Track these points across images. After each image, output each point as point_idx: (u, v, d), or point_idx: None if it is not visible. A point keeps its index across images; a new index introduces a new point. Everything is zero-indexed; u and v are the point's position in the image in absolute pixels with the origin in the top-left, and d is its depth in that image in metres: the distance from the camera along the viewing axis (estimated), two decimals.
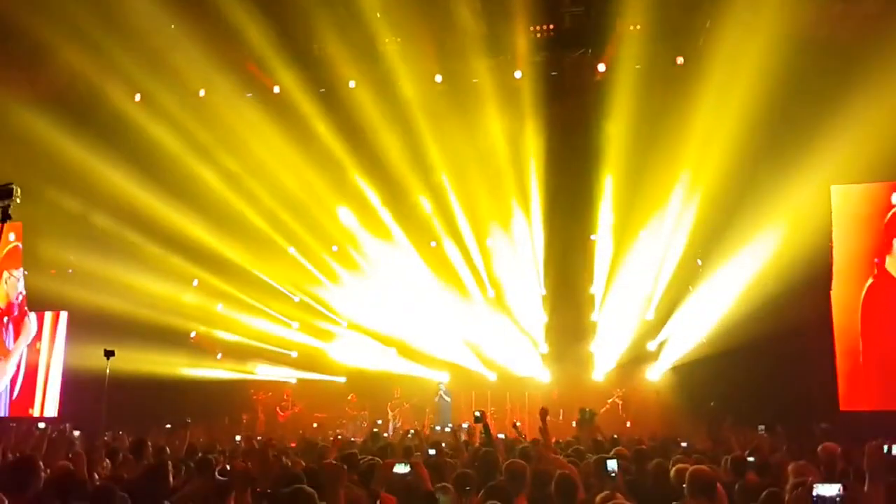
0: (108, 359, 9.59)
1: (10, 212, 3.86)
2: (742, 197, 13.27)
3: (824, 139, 11.90)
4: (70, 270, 15.94)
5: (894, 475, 4.77)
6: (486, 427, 7.73)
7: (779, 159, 12.97)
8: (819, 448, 6.59)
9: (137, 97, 14.62)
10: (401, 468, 5.10)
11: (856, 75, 11.61)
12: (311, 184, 15.22)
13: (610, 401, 15.04)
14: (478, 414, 8.06)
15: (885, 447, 5.15)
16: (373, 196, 15.69)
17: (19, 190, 3.87)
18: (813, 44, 12.00)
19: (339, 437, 11.63)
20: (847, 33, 12.17)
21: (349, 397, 16.30)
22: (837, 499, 4.09)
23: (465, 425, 12.07)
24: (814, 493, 4.15)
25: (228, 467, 5.49)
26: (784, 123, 12.71)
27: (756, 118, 12.41)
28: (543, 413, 7.43)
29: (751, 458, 6.24)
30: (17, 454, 6.07)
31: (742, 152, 12.94)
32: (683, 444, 8.73)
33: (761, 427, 9.77)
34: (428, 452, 7.03)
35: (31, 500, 4.04)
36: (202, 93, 14.68)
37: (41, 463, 4.30)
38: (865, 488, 4.70)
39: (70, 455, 5.70)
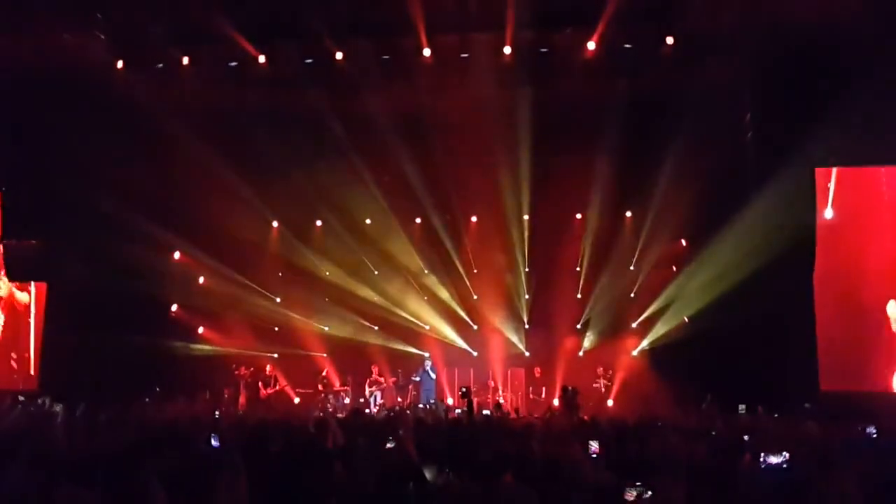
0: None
1: None
2: (728, 178, 13.31)
3: (810, 121, 11.96)
4: (50, 241, 15.69)
5: (868, 462, 4.84)
6: (471, 404, 7.75)
7: (765, 141, 13.01)
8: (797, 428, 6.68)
9: (119, 64, 14.32)
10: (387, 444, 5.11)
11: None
12: (296, 154, 15.08)
13: (595, 385, 15.14)
14: (463, 390, 8.09)
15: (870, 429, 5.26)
16: (357, 169, 15.50)
17: None
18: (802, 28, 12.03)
19: (322, 413, 11.65)
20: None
21: (323, 373, 16.25)
22: (784, 465, 4.42)
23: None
24: (762, 461, 4.46)
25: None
26: (770, 105, 12.75)
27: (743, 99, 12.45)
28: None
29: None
30: None
31: (729, 133, 12.96)
32: (660, 424, 8.81)
33: (742, 406, 9.89)
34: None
35: (13, 476, 3.99)
36: (186, 60, 14.39)
37: (22, 437, 4.23)
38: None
39: (53, 429, 5.64)
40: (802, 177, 13.02)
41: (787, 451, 4.76)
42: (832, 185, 13.43)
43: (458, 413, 11.21)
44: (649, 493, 4.14)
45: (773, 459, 4.66)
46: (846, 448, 5.95)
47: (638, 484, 4.40)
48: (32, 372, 15.99)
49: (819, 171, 13.30)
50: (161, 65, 14.51)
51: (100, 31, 13.76)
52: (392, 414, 11.55)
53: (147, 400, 13.73)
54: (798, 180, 12.87)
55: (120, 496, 4.06)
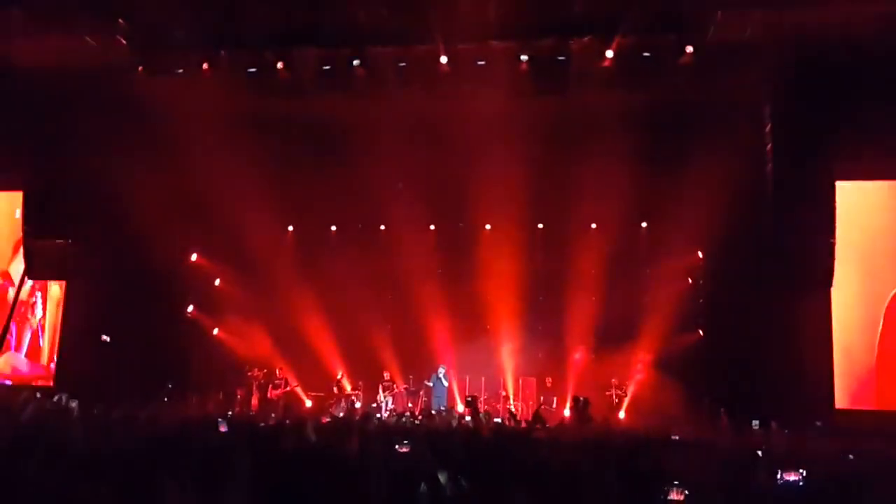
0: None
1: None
2: (747, 190, 13.23)
3: (831, 134, 11.88)
4: (70, 241, 15.88)
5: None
6: (476, 413, 7.74)
7: (785, 153, 12.92)
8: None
9: (140, 69, 14.48)
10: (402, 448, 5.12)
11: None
12: (312, 159, 15.14)
13: (608, 393, 15.05)
14: (469, 399, 8.08)
15: None
16: (373, 175, 15.55)
17: None
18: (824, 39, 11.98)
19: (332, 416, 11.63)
20: None
21: (339, 376, 16.28)
22: (800, 482, 4.47)
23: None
24: (778, 478, 4.52)
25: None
26: (791, 117, 12.67)
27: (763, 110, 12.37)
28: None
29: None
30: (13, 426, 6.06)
31: (748, 145, 12.88)
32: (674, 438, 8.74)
33: (755, 422, 9.78)
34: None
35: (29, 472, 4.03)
36: (205, 66, 14.53)
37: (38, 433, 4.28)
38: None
39: (69, 426, 5.69)
40: (823, 190, 12.91)
41: (804, 469, 4.73)
42: (853, 199, 13.31)
43: (465, 421, 11.20)
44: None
45: (790, 477, 4.68)
46: (887, 469, 5.90)
47: (676, 483, 4.43)
48: (45, 361, 16.23)
49: (840, 185, 13.19)
50: (181, 70, 14.69)
51: (121, 35, 13.95)
52: (402, 419, 11.55)
53: (160, 399, 13.85)
54: (819, 193, 12.76)
55: (133, 493, 4.09)
